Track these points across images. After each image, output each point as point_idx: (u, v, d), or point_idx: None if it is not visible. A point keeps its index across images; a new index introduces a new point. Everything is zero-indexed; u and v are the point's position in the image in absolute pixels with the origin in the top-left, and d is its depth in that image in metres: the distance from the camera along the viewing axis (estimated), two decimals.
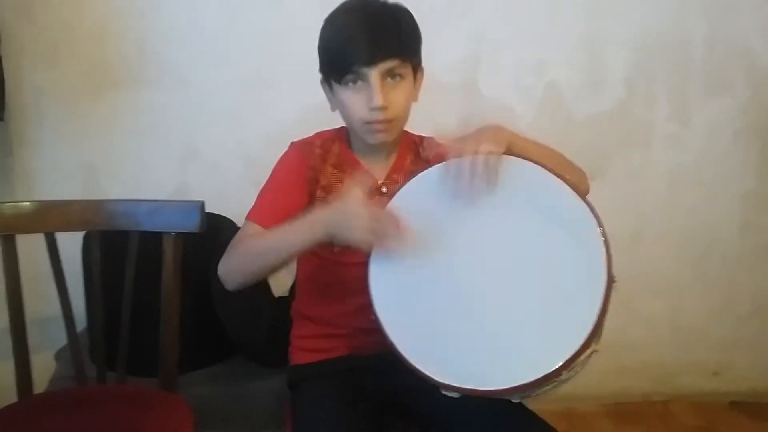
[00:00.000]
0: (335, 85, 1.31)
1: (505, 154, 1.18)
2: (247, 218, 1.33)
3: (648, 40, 2.22)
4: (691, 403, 2.44)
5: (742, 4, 2.22)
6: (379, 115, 1.27)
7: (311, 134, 1.43)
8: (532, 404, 1.22)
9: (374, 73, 1.25)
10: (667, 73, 2.25)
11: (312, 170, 1.37)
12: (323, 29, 1.33)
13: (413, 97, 1.36)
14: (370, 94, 1.26)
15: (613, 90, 2.24)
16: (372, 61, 1.25)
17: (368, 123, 1.29)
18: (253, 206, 1.34)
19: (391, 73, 1.27)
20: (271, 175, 1.38)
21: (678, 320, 2.43)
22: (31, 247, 1.51)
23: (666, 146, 2.31)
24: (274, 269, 1.29)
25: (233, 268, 1.29)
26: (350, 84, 1.28)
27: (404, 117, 1.34)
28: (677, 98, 2.27)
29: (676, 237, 2.37)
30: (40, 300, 1.69)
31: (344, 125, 1.41)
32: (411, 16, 1.33)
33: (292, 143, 1.41)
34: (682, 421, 2.37)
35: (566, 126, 2.22)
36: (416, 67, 1.35)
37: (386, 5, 1.31)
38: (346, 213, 1.16)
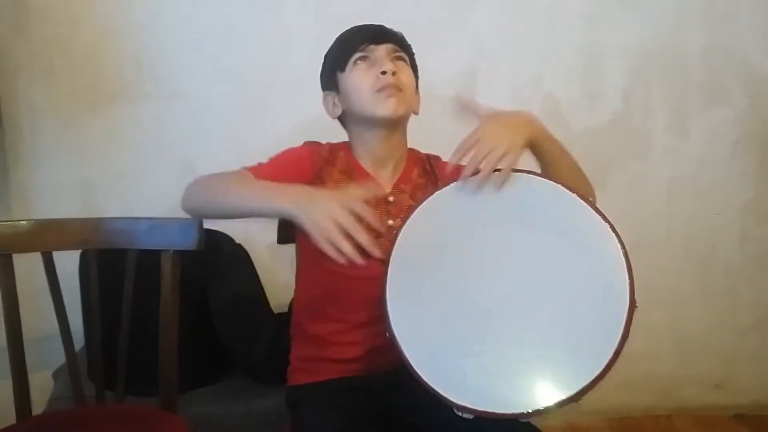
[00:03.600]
0: (342, 76, 1.37)
1: (529, 147, 1.22)
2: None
3: (645, 50, 2.22)
4: (694, 416, 2.42)
5: (739, 14, 2.22)
6: (390, 79, 1.32)
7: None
8: (535, 419, 1.20)
9: (381, 48, 1.35)
10: (665, 83, 2.25)
11: (318, 166, 1.37)
12: (330, 48, 1.42)
13: (415, 98, 1.41)
14: (378, 64, 1.33)
15: (611, 101, 2.24)
16: (379, 39, 1.35)
17: (379, 90, 1.32)
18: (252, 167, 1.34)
19: (396, 56, 1.36)
20: (276, 156, 1.38)
21: (679, 332, 2.42)
22: (27, 265, 1.49)
23: (664, 157, 2.30)
24: (227, 213, 1.29)
25: (198, 190, 1.29)
26: (358, 62, 1.35)
27: (411, 96, 1.38)
28: (675, 109, 2.27)
29: (676, 248, 2.36)
30: (38, 317, 1.67)
31: (347, 140, 1.43)
32: None
33: (306, 141, 1.43)
34: None
35: (564, 137, 2.15)
36: (415, 71, 1.42)
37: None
38: (313, 197, 1.12)
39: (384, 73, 1.31)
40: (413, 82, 1.39)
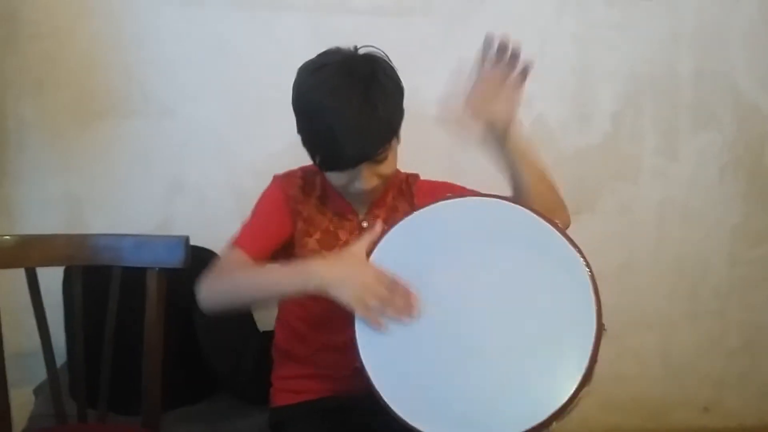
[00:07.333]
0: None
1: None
2: (231, 244, 1.33)
3: (636, 73, 2.22)
4: None
5: (729, 40, 2.23)
6: (370, 189, 1.30)
7: (296, 167, 1.44)
8: None
9: (363, 166, 1.27)
10: (655, 106, 2.25)
11: (293, 200, 1.36)
12: (306, 95, 1.32)
13: (396, 153, 1.35)
14: (357, 177, 1.28)
15: (601, 123, 2.24)
16: (364, 162, 1.26)
17: (356, 193, 1.32)
18: (238, 233, 1.34)
19: (381, 157, 1.28)
20: (254, 207, 1.40)
21: (668, 355, 2.41)
22: (10, 280, 1.48)
23: (654, 180, 2.30)
24: (257, 305, 1.29)
25: (216, 293, 1.28)
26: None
27: (391, 172, 1.35)
28: (665, 132, 2.27)
29: (665, 271, 2.35)
30: (19, 333, 1.65)
31: None
32: (392, 77, 1.31)
33: (275, 176, 1.42)
34: None
35: (555, 159, 2.17)
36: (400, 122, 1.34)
37: (370, 86, 1.26)
38: (346, 273, 1.14)
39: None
40: (394, 162, 1.33)
